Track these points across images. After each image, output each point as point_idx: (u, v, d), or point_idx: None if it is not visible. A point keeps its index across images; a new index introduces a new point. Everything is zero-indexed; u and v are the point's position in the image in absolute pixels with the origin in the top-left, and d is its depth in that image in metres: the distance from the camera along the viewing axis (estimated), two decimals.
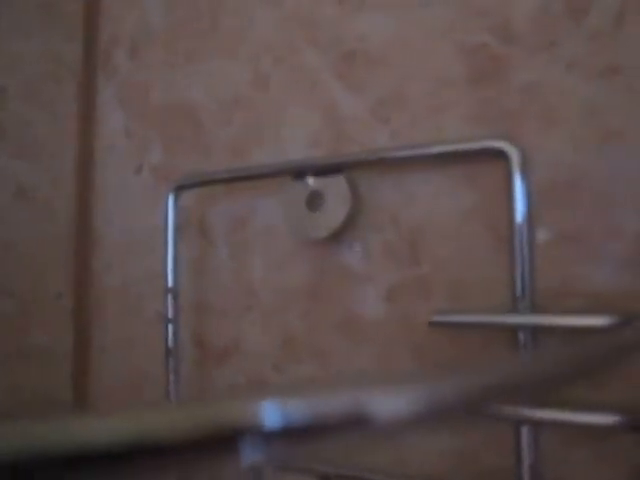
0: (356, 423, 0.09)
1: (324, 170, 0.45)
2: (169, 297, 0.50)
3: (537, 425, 0.37)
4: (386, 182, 0.43)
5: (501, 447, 0.38)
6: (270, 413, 0.09)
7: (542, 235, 0.38)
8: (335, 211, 0.44)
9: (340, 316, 0.45)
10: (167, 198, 0.51)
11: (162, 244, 0.51)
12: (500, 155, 0.38)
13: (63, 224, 0.59)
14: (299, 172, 0.46)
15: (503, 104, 0.40)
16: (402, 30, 0.44)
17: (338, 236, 0.45)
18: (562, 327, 0.36)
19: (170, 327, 0.50)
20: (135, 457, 0.08)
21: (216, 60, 0.53)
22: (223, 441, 0.08)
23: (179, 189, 0.51)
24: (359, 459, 0.43)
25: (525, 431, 0.37)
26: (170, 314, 0.50)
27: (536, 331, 0.37)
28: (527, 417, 0.36)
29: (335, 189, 0.44)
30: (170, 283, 0.51)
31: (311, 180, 0.45)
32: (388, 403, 0.10)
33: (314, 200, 0.45)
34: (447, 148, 0.40)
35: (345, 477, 0.40)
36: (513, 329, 0.38)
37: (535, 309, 0.37)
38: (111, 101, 0.60)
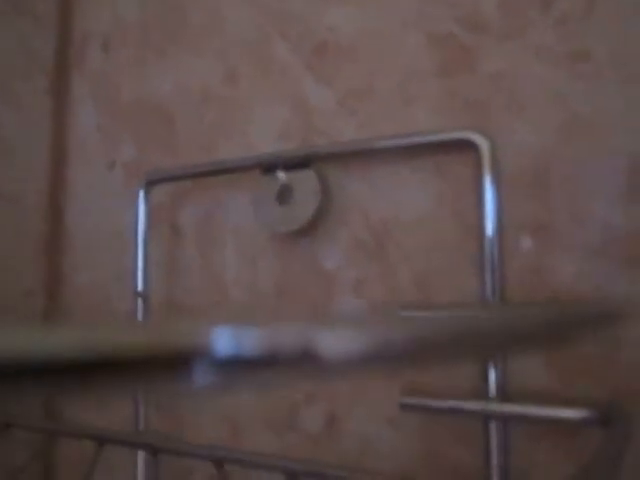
0: (304, 359, 0.10)
1: (294, 164, 0.44)
2: (139, 300, 0.50)
3: (505, 421, 0.37)
4: (356, 175, 0.43)
5: (470, 443, 0.38)
6: (221, 339, 0.09)
7: (512, 225, 0.38)
8: (305, 205, 0.44)
9: (309, 310, 0.45)
10: (137, 194, 0.51)
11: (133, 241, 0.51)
12: (470, 146, 0.38)
13: (34, 220, 0.58)
14: (269, 166, 0.45)
15: (472, 94, 0.40)
16: (371, 21, 0.44)
17: (308, 230, 0.44)
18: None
19: None
20: (86, 370, 0.08)
21: (187, 56, 0.53)
22: (174, 362, 0.08)
23: (149, 184, 0.51)
24: (327, 457, 0.43)
25: (493, 427, 0.36)
26: (140, 316, 0.50)
27: None
28: (495, 412, 0.36)
29: (305, 183, 0.44)
30: (140, 282, 0.50)
31: (281, 174, 0.45)
32: (337, 340, 0.10)
33: (284, 194, 0.45)
34: (417, 140, 0.40)
35: (312, 474, 0.40)
36: None
37: (504, 300, 0.37)
38: (83, 97, 0.59)
